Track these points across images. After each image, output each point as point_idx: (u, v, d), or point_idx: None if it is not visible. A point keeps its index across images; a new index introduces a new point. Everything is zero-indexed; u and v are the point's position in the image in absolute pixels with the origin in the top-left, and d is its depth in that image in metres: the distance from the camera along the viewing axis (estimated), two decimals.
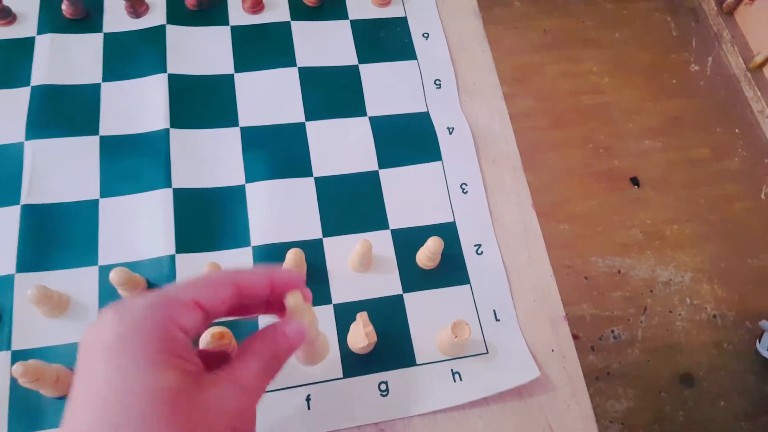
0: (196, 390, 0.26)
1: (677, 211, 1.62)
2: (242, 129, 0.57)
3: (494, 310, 0.52)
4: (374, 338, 0.47)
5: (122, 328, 0.26)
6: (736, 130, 1.76)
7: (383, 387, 0.47)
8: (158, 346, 0.26)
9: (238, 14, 0.62)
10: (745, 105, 1.78)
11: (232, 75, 0.59)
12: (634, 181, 1.65)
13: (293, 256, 0.48)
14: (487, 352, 0.50)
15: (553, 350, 0.51)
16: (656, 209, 1.62)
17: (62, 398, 0.45)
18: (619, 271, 1.52)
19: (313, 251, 0.52)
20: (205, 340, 0.42)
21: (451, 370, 0.49)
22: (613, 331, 1.45)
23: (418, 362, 0.49)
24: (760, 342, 1.44)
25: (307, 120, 0.58)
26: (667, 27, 1.94)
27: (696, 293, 1.51)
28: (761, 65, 1.75)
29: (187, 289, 0.29)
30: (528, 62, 1.82)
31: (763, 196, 1.66)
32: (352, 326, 0.48)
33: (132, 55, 0.59)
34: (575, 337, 1.44)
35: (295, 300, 0.33)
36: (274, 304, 0.33)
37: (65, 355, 0.46)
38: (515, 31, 1.87)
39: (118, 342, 0.25)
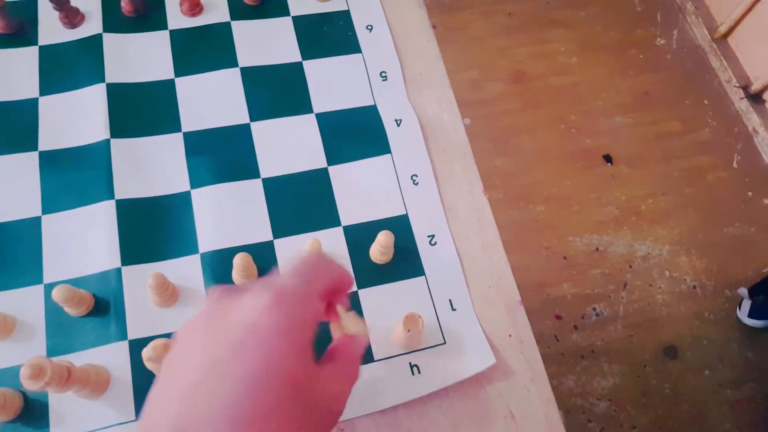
0: (316, 377, 0.31)
1: (652, 185, 1.63)
2: (185, 134, 0.56)
3: (450, 300, 0.52)
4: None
5: (281, 318, 0.29)
6: (705, 101, 1.77)
7: None
8: (308, 340, 0.30)
9: (177, 18, 0.61)
10: (713, 75, 1.79)
11: (173, 80, 0.58)
12: (608, 159, 1.66)
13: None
14: (445, 343, 0.50)
15: (510, 336, 0.51)
16: (631, 185, 1.62)
17: (10, 422, 0.44)
18: (597, 249, 1.53)
19: (264, 254, 0.51)
20: (147, 354, 0.41)
21: (409, 363, 0.49)
22: (594, 309, 1.46)
23: (375, 358, 0.48)
24: (740, 309, 1.45)
25: (252, 121, 0.57)
26: (632, 3, 1.94)
27: (674, 266, 1.52)
28: (725, 35, 1.76)
29: (319, 281, 0.33)
30: (496, 47, 1.82)
31: (735, 165, 1.67)
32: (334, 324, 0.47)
33: (69, 67, 0.58)
34: (557, 317, 1.44)
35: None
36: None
37: (12, 379, 0.45)
38: (481, 17, 1.87)
39: (283, 331, 0.29)
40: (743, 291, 1.45)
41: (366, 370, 0.48)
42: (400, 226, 0.54)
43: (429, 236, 0.54)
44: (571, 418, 1.34)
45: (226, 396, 0.27)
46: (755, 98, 1.70)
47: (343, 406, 0.32)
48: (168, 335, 0.47)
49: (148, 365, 0.44)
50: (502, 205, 1.57)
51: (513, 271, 0.54)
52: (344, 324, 0.37)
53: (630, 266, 1.52)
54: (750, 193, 1.63)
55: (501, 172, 1.62)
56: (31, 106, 0.56)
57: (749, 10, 1.65)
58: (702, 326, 1.46)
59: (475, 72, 1.77)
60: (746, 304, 1.44)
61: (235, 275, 0.49)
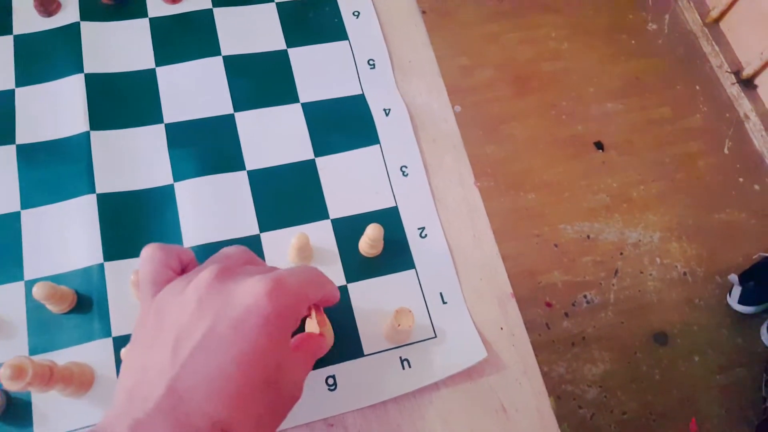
0: (288, 364, 0.34)
1: (643, 172, 1.63)
2: (167, 125, 0.54)
3: (441, 293, 0.51)
4: (331, 333, 0.46)
5: (279, 307, 0.32)
6: (697, 87, 1.76)
7: (330, 381, 0.46)
8: (290, 330, 0.34)
9: (157, 5, 0.59)
10: (704, 61, 1.78)
11: (154, 69, 0.56)
12: (599, 146, 1.65)
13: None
14: (436, 336, 0.49)
15: (502, 329, 0.51)
16: (622, 172, 1.62)
17: None
18: (588, 236, 1.53)
19: (251, 248, 0.50)
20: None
21: (400, 357, 0.48)
22: (585, 296, 1.47)
23: (365, 353, 0.48)
24: (730, 295, 1.46)
25: (235, 111, 0.55)
26: None
27: (665, 252, 1.53)
28: (717, 20, 1.75)
29: (312, 288, 0.37)
30: (486, 32, 1.80)
31: (726, 151, 1.67)
32: (307, 321, 0.46)
33: (46, 57, 0.56)
34: (548, 304, 1.45)
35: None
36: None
37: None
38: (471, 2, 1.84)
39: (275, 318, 0.32)
40: (733, 277, 1.46)
41: (356, 364, 0.47)
42: (389, 218, 0.53)
43: (419, 228, 0.53)
44: (561, 405, 1.35)
45: (221, 369, 0.30)
46: (746, 84, 1.69)
47: (300, 393, 0.35)
48: None
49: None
50: (493, 193, 1.56)
51: (504, 259, 0.53)
52: (309, 327, 0.39)
53: (621, 253, 1.52)
54: (741, 179, 1.63)
55: (491, 160, 1.61)
56: (7, 97, 0.54)
57: None
58: (692, 312, 1.47)
59: (464, 58, 1.75)
60: (736, 291, 1.44)
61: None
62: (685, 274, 1.51)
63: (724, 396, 1.38)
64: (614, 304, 1.46)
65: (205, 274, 0.33)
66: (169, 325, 0.32)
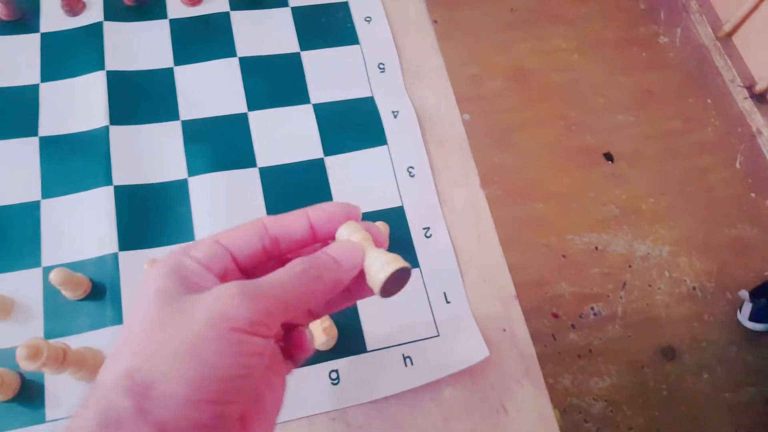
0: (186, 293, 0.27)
1: (652, 184, 1.62)
2: (183, 122, 0.56)
3: (444, 293, 0.52)
4: (334, 332, 0.47)
5: (246, 313, 0.26)
6: (708, 101, 1.76)
7: (334, 375, 0.47)
8: (174, 277, 0.27)
9: (177, 7, 0.62)
10: (716, 74, 1.78)
11: (172, 68, 0.58)
12: (608, 157, 1.65)
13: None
14: (438, 335, 0.50)
15: (504, 330, 0.51)
16: (631, 184, 1.62)
17: (7, 401, 0.44)
18: (596, 248, 1.53)
19: None
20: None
21: (402, 354, 0.49)
22: (593, 308, 1.46)
23: (368, 349, 0.49)
24: (740, 312, 1.44)
25: (249, 110, 0.57)
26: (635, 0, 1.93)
27: (674, 266, 1.52)
28: (730, 34, 1.75)
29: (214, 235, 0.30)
30: (497, 42, 1.81)
31: (738, 165, 1.66)
32: (311, 324, 0.48)
33: (70, 54, 0.58)
34: (555, 316, 1.44)
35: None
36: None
37: (10, 359, 0.45)
38: (482, 12, 1.86)
39: (239, 325, 0.25)
40: (744, 293, 1.44)
41: (359, 360, 0.48)
42: (395, 217, 0.54)
43: (424, 228, 0.54)
44: (567, 418, 1.34)
45: (183, 373, 0.25)
46: (759, 98, 1.69)
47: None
48: None
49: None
50: (501, 202, 1.57)
51: (511, 268, 0.54)
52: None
53: (629, 266, 1.51)
54: (752, 195, 1.62)
55: (500, 169, 1.61)
56: (32, 92, 0.56)
57: (754, 8, 1.64)
58: (701, 328, 1.45)
59: (475, 67, 1.76)
60: (747, 307, 1.42)
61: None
62: (694, 288, 1.49)
63: (733, 414, 1.36)
64: (622, 317, 1.45)
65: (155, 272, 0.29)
66: (139, 320, 0.28)
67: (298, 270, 0.28)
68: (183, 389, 0.24)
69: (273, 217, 0.30)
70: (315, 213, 0.31)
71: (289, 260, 0.29)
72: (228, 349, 0.25)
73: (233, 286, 0.26)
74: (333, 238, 0.31)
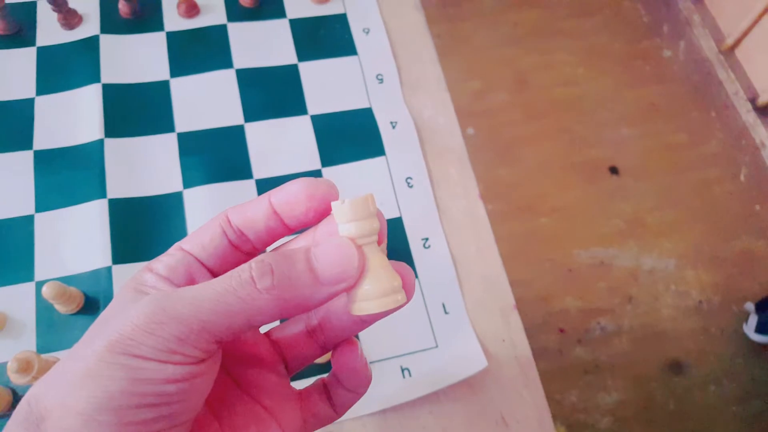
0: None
1: (658, 198, 1.61)
2: (179, 135, 0.56)
3: (443, 304, 0.51)
4: None
5: (120, 297, 0.24)
6: (712, 114, 1.76)
7: None
8: (132, 295, 0.24)
9: (174, 20, 0.62)
10: (720, 88, 1.78)
11: (168, 81, 0.58)
12: (613, 171, 1.64)
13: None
14: (437, 346, 0.49)
15: (504, 340, 0.50)
16: (636, 197, 1.61)
17: None
18: (602, 262, 1.52)
19: None
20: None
21: (400, 366, 0.48)
22: (599, 323, 1.44)
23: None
24: (747, 324, 1.43)
25: (246, 122, 0.57)
26: (638, 14, 1.93)
27: (681, 280, 1.50)
28: (732, 47, 1.75)
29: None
30: (500, 56, 1.82)
31: (742, 178, 1.65)
32: None
33: (66, 67, 0.58)
34: (561, 331, 1.43)
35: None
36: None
37: (2, 374, 0.45)
38: (486, 26, 1.87)
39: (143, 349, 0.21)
40: (750, 306, 1.43)
41: None
42: (393, 228, 0.53)
43: (423, 239, 0.53)
44: None
45: (77, 402, 0.21)
46: (763, 111, 1.68)
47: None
48: None
49: None
50: (506, 217, 1.56)
51: (516, 283, 0.53)
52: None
53: (635, 280, 1.50)
54: (757, 207, 1.61)
55: (504, 183, 1.61)
56: (27, 105, 0.56)
57: (756, 22, 1.64)
58: (708, 341, 1.43)
59: (478, 82, 1.77)
60: (753, 320, 1.41)
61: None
62: (700, 302, 1.48)
63: (741, 427, 1.34)
64: (628, 332, 1.44)
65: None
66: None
67: (244, 277, 0.22)
68: (76, 421, 0.20)
69: (236, 206, 0.26)
70: (277, 195, 0.25)
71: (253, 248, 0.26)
72: (126, 376, 0.21)
73: (148, 304, 0.22)
74: (313, 223, 0.25)
